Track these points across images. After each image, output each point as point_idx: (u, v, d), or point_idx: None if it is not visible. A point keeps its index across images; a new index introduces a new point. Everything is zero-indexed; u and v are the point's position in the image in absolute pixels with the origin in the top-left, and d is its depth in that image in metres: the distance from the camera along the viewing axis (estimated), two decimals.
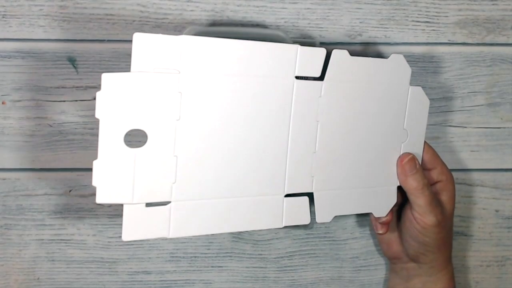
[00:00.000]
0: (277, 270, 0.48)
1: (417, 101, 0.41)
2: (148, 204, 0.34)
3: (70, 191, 0.45)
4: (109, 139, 0.32)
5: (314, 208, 0.39)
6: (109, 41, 0.44)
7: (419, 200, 0.40)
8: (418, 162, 0.41)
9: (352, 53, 0.38)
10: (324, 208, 0.39)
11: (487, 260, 0.50)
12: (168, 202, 0.35)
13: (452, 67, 0.47)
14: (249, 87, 0.36)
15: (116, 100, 0.32)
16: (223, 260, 0.48)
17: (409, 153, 0.41)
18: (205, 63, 0.34)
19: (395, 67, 0.40)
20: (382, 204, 0.42)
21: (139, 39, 0.32)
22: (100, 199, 0.33)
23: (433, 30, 0.46)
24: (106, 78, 0.32)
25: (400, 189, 0.42)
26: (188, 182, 0.35)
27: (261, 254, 0.48)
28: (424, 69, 0.46)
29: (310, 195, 0.39)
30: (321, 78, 0.38)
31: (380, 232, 0.43)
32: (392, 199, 0.42)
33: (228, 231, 0.37)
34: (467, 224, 0.50)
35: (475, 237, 0.50)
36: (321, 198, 0.39)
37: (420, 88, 0.41)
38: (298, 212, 0.38)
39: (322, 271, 0.49)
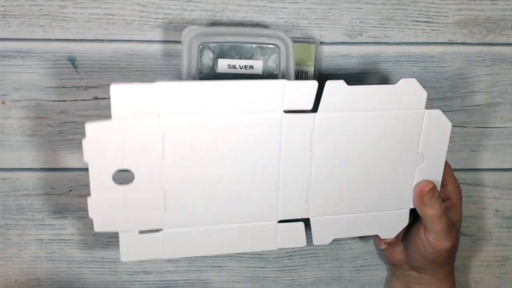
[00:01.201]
0: (277, 270, 0.48)
1: (436, 125, 0.40)
2: (142, 231, 0.37)
3: (70, 191, 0.45)
4: (99, 179, 0.35)
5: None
6: (109, 41, 0.44)
7: (436, 227, 0.39)
8: (437, 189, 0.40)
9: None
10: (321, 232, 0.40)
11: (487, 260, 0.50)
12: (160, 230, 0.37)
13: (452, 66, 0.47)
14: (235, 123, 0.36)
15: (101, 146, 0.34)
16: (223, 260, 0.48)
17: (430, 182, 0.40)
18: (186, 105, 0.35)
19: (405, 92, 0.38)
20: (392, 226, 0.41)
21: (115, 90, 0.33)
22: (97, 228, 0.36)
23: (433, 29, 0.46)
24: (89, 127, 0.33)
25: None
26: (179, 212, 0.37)
27: (261, 254, 0.48)
28: (424, 69, 0.46)
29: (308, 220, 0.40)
30: (316, 109, 0.37)
31: (383, 247, 0.43)
32: (404, 222, 0.41)
33: (222, 253, 0.39)
34: (467, 224, 0.50)
35: (475, 237, 0.50)
36: (318, 222, 0.40)
37: (439, 111, 0.40)
38: (293, 236, 0.39)
39: (322, 271, 0.49)
